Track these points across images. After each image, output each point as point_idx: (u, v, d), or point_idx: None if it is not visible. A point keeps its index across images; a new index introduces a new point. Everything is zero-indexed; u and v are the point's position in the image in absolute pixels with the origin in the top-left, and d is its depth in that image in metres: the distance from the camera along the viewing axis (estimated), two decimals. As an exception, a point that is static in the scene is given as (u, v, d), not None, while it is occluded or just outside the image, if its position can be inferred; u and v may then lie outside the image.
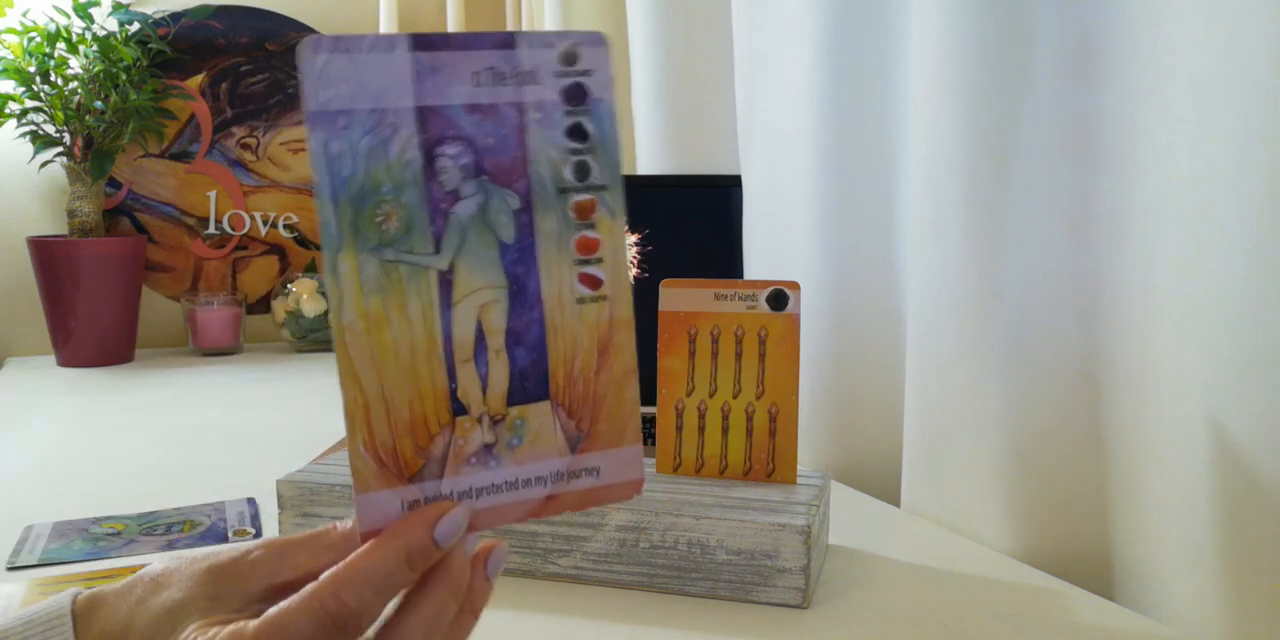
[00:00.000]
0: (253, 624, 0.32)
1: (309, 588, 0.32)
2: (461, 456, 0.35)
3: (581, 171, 0.35)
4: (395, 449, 0.34)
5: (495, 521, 0.36)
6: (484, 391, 0.35)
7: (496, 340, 0.35)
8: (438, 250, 0.34)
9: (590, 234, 0.35)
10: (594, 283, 0.36)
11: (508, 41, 0.34)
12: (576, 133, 0.35)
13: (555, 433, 0.36)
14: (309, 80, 0.31)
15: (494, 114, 0.34)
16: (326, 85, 0.31)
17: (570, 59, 0.34)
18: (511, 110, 0.34)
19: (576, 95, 0.35)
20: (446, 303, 0.34)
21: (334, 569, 0.33)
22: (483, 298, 0.35)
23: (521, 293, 0.35)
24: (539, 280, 0.35)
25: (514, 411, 0.36)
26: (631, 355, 0.37)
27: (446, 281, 0.34)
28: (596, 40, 0.34)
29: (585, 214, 0.35)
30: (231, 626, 0.33)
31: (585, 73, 0.34)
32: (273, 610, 0.32)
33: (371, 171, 0.32)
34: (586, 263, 0.36)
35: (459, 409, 0.35)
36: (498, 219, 0.34)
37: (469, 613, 0.36)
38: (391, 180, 0.33)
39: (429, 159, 0.33)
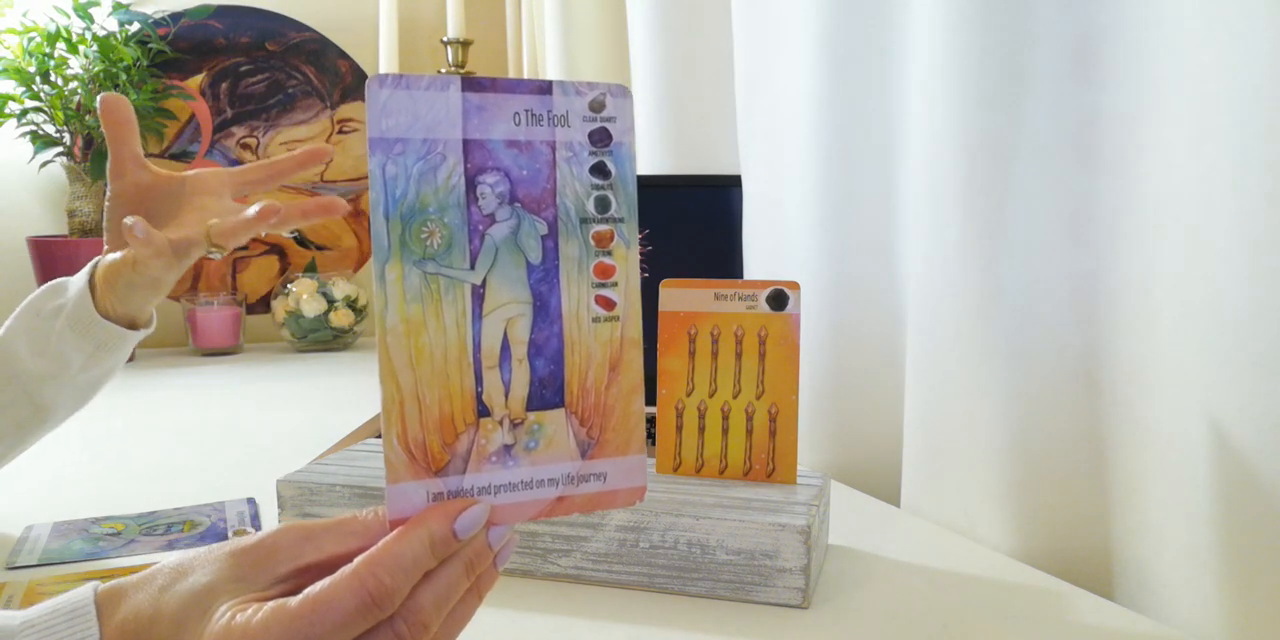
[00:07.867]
0: (294, 600, 0.33)
1: (349, 568, 0.34)
2: (483, 455, 0.38)
3: (602, 205, 0.39)
4: (425, 444, 0.37)
5: (511, 518, 0.38)
6: (506, 396, 0.38)
7: (520, 350, 0.38)
8: (473, 266, 0.38)
9: (607, 261, 0.39)
10: (608, 304, 0.40)
11: (545, 88, 0.38)
12: (600, 170, 0.39)
13: (568, 439, 0.39)
14: (373, 111, 0.35)
15: (529, 150, 0.38)
16: (387, 116, 0.36)
17: (598, 107, 0.39)
18: (545, 148, 0.38)
19: (601, 138, 0.39)
20: (478, 314, 0.38)
21: (370, 552, 0.35)
22: (510, 311, 0.38)
23: (544, 309, 0.39)
24: (560, 299, 0.39)
25: (532, 416, 0.39)
26: (639, 372, 0.40)
27: (479, 295, 0.38)
28: (621, 92, 0.39)
29: (604, 243, 0.39)
30: (272, 603, 0.33)
31: (610, 119, 0.39)
32: (314, 588, 0.34)
33: (421, 193, 0.36)
34: (603, 286, 0.39)
35: (483, 411, 0.38)
36: (527, 242, 0.38)
37: (475, 594, 0.38)
38: (437, 202, 0.37)
39: (471, 185, 0.37)
